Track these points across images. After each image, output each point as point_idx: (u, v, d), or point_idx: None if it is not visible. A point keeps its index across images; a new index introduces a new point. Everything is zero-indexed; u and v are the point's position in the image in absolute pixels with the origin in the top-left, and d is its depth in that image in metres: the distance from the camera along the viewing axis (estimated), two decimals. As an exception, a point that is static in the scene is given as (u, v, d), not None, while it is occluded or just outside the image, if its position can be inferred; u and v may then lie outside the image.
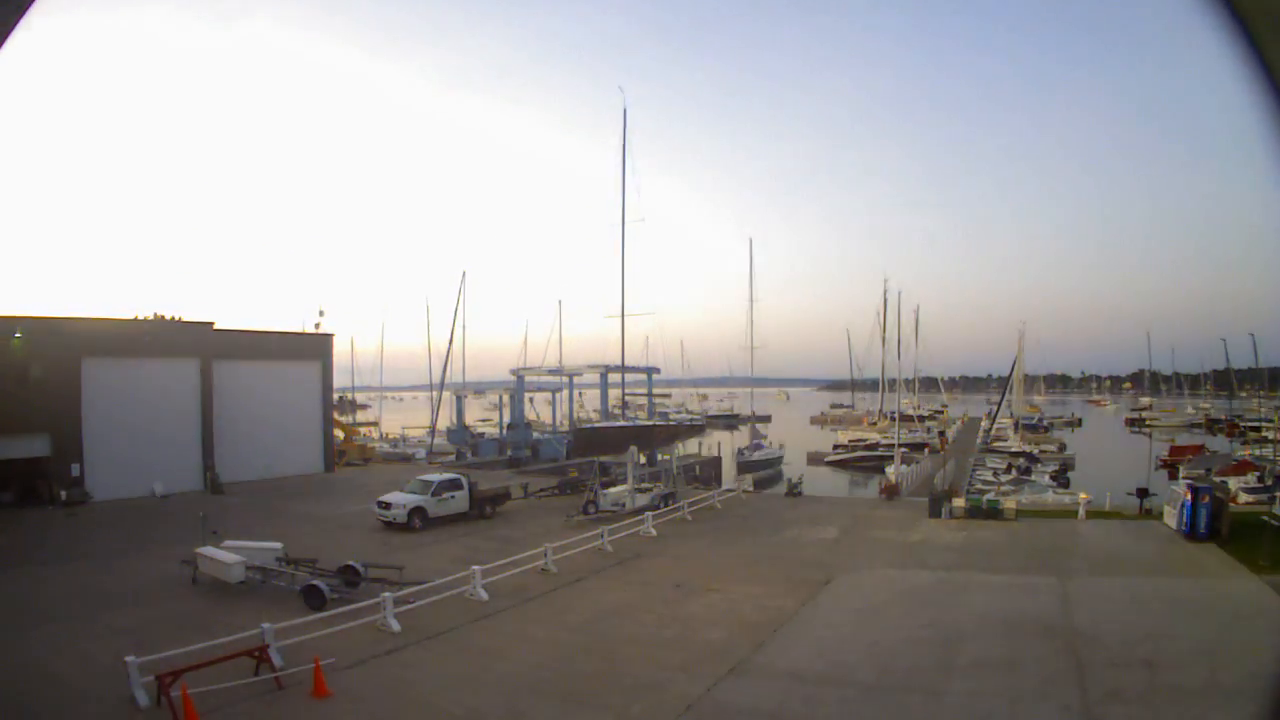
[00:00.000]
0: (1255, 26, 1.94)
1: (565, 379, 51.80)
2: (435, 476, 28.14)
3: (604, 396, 42.69)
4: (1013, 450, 54.34)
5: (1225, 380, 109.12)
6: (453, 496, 27.00)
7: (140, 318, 35.70)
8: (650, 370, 46.76)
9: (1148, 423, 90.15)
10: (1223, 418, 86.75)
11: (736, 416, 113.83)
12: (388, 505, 25.96)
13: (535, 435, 48.89)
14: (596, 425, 50.35)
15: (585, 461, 32.55)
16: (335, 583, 17.02)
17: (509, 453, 47.44)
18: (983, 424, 72.09)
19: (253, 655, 12.29)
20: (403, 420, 77.79)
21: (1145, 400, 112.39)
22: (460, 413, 55.37)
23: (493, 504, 28.44)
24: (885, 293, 59.45)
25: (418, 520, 25.65)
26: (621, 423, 45.62)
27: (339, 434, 47.98)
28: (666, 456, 39.57)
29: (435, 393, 58.20)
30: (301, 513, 29.41)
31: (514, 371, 48.72)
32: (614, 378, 50.40)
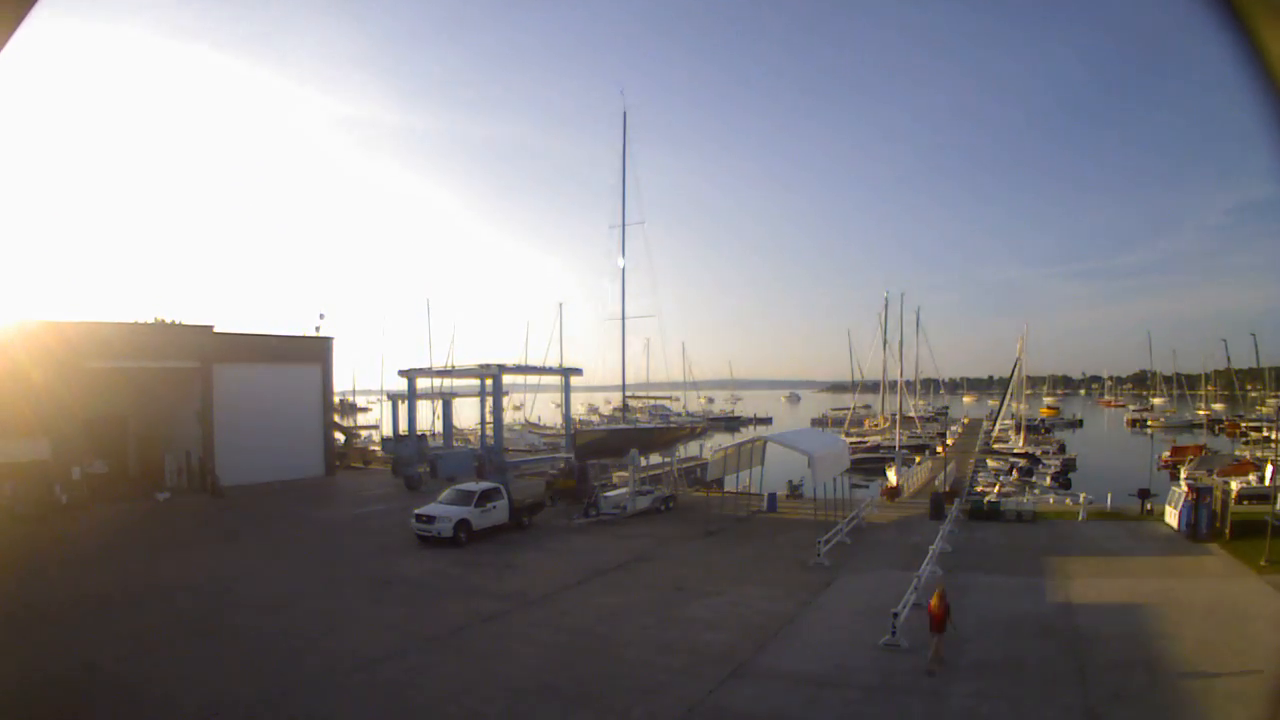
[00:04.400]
0: (1256, 25, 1.94)
1: (529, 380, 46.29)
2: (473, 485, 26.04)
3: (567, 400, 40.93)
4: (1015, 452, 54.27)
5: (1227, 380, 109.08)
6: (494, 507, 25.16)
7: (141, 322, 35.72)
8: (568, 371, 41.06)
9: (1149, 424, 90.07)
10: (1223, 418, 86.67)
11: (738, 418, 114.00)
12: (429, 519, 23.72)
13: (434, 448, 40.50)
14: (597, 428, 50.29)
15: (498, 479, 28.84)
16: None
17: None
18: (984, 425, 72.01)
19: None
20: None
21: (1157, 400, 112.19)
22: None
23: (530, 513, 27.10)
24: (886, 294, 59.52)
25: (463, 534, 23.71)
26: (622, 425, 45.56)
27: (339, 437, 47.87)
28: (667, 459, 39.55)
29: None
30: (309, 516, 29.40)
31: (403, 372, 41.01)
32: (597, 380, 49.33)
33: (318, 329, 43.50)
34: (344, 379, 66.14)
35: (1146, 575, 19.34)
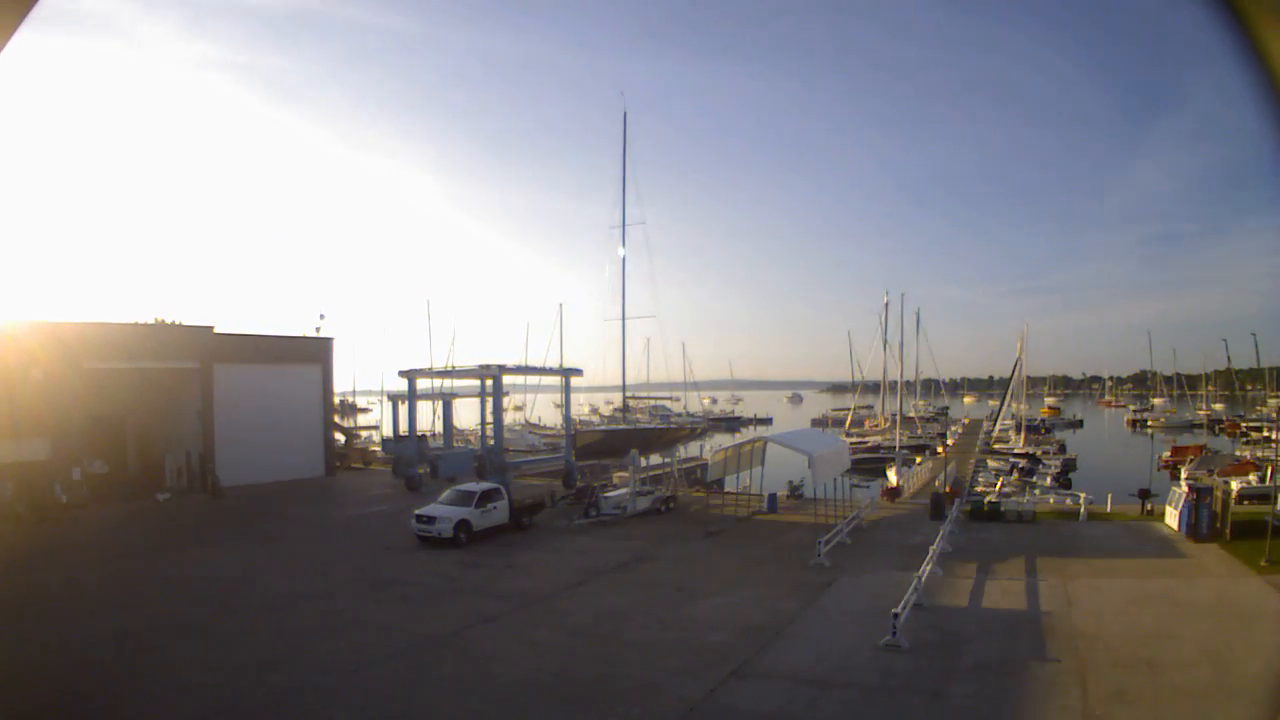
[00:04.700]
0: (1257, 26, 1.94)
1: (529, 380, 46.49)
2: (474, 486, 25.96)
3: (567, 401, 40.99)
4: (1015, 452, 54.22)
5: (1227, 380, 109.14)
6: (495, 507, 25.11)
7: (141, 322, 35.73)
8: (568, 372, 40.87)
9: (1149, 424, 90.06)
10: (1223, 418, 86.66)
11: (739, 419, 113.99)
12: (430, 519, 23.69)
13: (435, 449, 40.99)
14: (597, 429, 50.37)
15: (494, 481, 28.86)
16: None
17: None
18: (984, 426, 71.98)
19: None
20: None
21: (1157, 401, 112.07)
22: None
23: (530, 514, 27.03)
24: (887, 295, 59.58)
25: (463, 535, 23.66)
26: (622, 426, 45.61)
27: (339, 437, 47.85)
28: (667, 459, 39.53)
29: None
30: (309, 517, 29.40)
31: (403, 373, 40.88)
32: (598, 380, 49.37)
33: (318, 329, 43.56)
34: (344, 379, 66.10)
35: (1147, 575, 19.32)
